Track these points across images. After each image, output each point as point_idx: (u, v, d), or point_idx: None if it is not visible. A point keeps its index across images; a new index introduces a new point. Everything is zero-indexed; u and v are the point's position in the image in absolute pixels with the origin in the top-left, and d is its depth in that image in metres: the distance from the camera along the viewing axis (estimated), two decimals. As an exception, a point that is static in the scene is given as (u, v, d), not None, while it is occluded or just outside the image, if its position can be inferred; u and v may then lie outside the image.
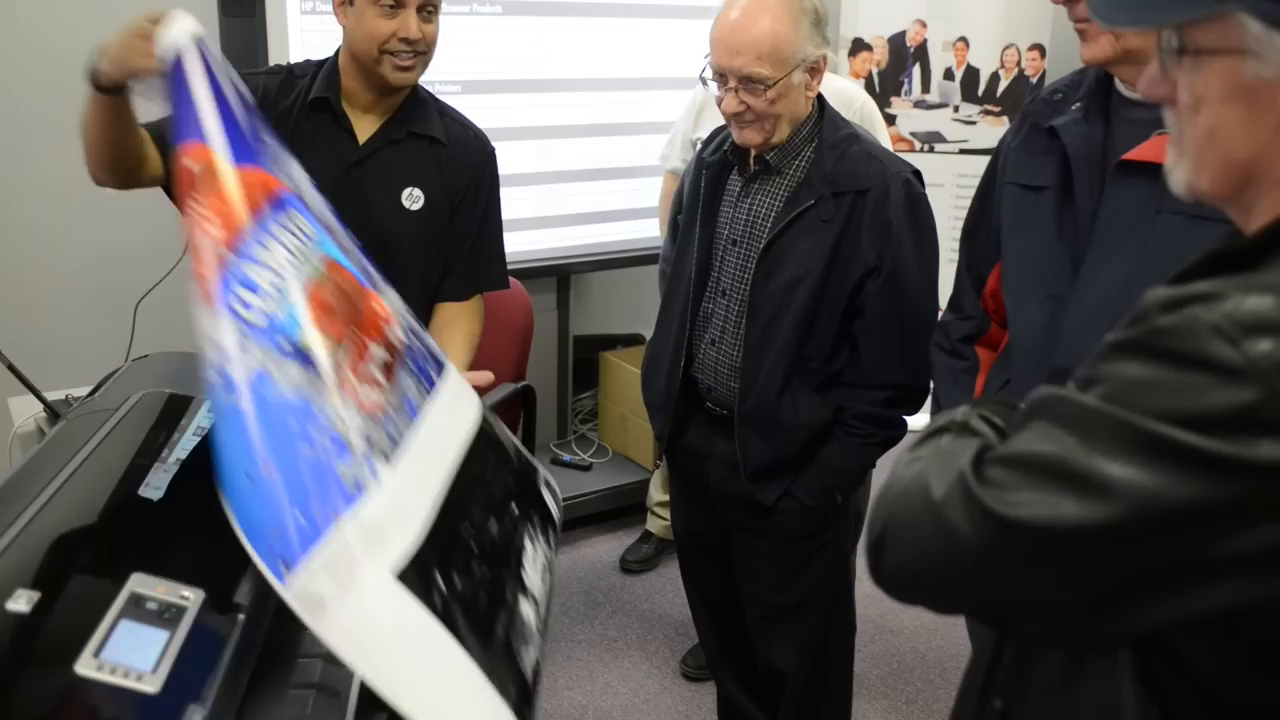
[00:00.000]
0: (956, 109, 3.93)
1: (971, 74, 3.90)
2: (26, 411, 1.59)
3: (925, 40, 3.88)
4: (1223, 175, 0.75)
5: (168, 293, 1.82)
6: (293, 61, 1.99)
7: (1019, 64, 3.87)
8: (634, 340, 3.71)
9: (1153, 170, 1.27)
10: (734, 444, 1.91)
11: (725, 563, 2.09)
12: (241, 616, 1.03)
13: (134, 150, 1.61)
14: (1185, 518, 0.64)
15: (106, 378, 1.52)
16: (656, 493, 3.25)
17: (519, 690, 1.04)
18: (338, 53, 1.88)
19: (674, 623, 2.97)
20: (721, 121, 1.88)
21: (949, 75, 3.91)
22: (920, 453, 0.82)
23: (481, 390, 1.51)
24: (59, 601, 0.96)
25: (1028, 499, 0.69)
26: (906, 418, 1.93)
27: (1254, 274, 0.68)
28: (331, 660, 1.11)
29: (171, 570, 1.03)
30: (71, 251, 2.84)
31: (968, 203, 1.71)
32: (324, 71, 1.87)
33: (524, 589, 1.16)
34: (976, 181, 1.69)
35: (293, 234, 1.16)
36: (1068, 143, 1.44)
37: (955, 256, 1.73)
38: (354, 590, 0.96)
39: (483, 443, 1.30)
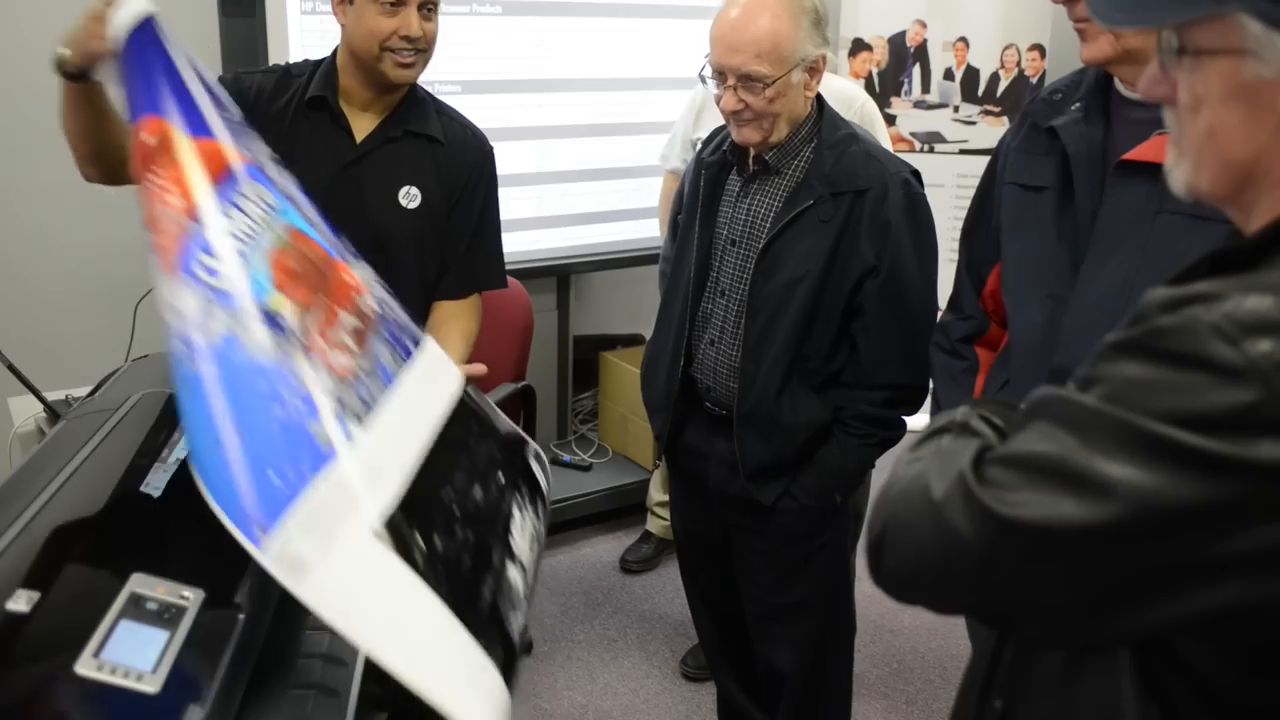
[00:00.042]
0: (956, 109, 3.93)
1: (971, 74, 3.90)
2: (26, 411, 1.60)
3: (925, 40, 3.88)
4: (1223, 175, 0.75)
5: (168, 293, 1.82)
6: (292, 61, 1.99)
7: (1019, 64, 3.87)
8: (634, 340, 3.71)
9: (1152, 170, 1.27)
10: (733, 444, 1.91)
11: (725, 563, 2.09)
12: (241, 616, 1.02)
13: (115, 142, 1.61)
14: (1185, 518, 0.64)
15: (106, 378, 1.53)
16: (656, 493, 3.25)
17: (506, 653, 1.04)
18: (335, 52, 1.88)
19: (674, 623, 2.97)
20: (722, 122, 1.88)
21: (949, 75, 3.91)
22: (920, 453, 0.82)
23: (475, 383, 1.51)
24: (59, 601, 0.96)
25: (1027, 499, 0.69)
26: (905, 418, 1.93)
27: (1254, 274, 0.68)
28: (331, 660, 1.11)
29: (171, 570, 1.03)
30: (71, 251, 2.84)
31: (968, 203, 1.71)
32: (321, 70, 1.87)
33: (512, 555, 1.16)
34: (976, 182, 1.69)
35: (255, 203, 1.15)
36: (1067, 143, 1.44)
37: (955, 257, 1.73)
38: (333, 549, 0.95)
39: (464, 412, 1.29)
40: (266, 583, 1.10)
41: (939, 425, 0.84)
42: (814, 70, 1.79)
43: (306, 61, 1.93)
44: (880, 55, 3.88)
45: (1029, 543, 0.69)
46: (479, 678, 0.98)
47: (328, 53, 1.91)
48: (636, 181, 3.41)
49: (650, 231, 3.29)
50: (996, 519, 0.69)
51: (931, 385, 1.77)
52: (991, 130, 3.83)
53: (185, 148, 1.13)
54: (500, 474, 1.26)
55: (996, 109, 3.91)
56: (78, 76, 1.41)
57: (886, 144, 2.58)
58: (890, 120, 3.67)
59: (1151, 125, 1.29)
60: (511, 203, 3.10)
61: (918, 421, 1.68)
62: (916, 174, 1.86)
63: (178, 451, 1.29)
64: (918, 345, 1.82)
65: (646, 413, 2.12)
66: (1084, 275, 1.40)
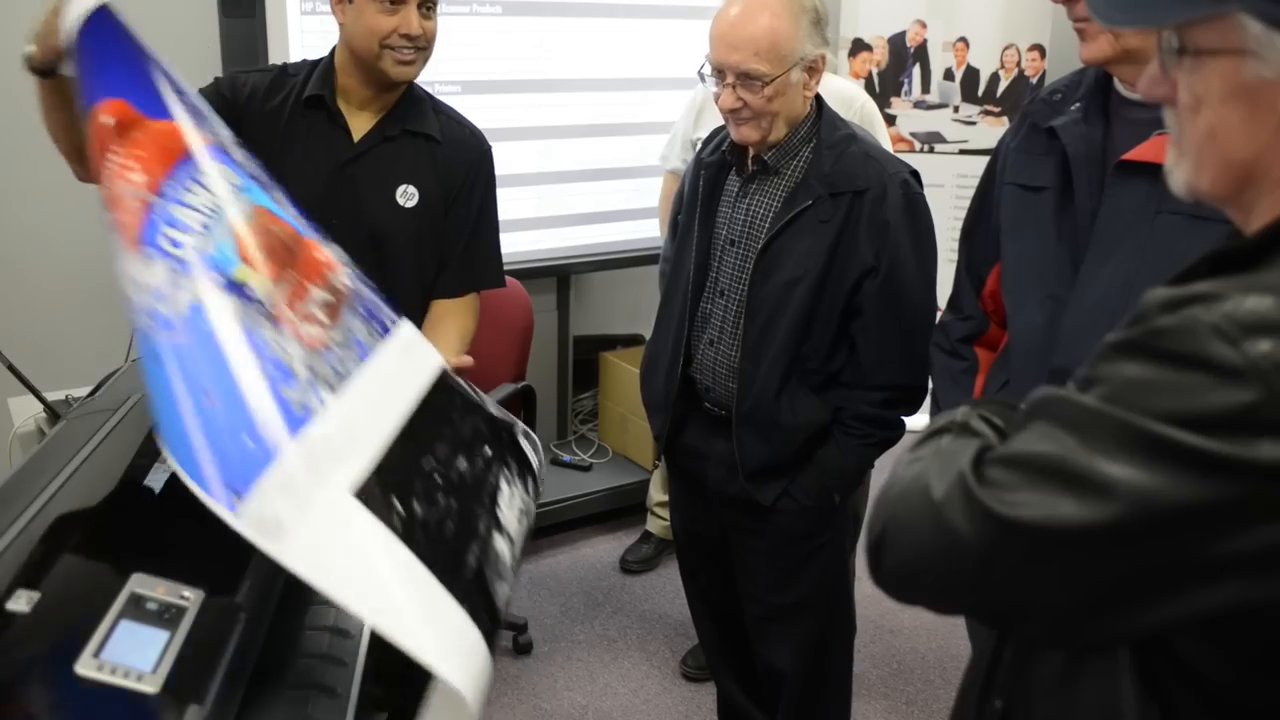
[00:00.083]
0: (956, 109, 3.93)
1: (971, 74, 3.90)
2: (26, 411, 1.60)
3: (925, 40, 3.88)
4: (1223, 175, 0.75)
5: (168, 293, 1.82)
6: (292, 62, 1.99)
7: (1019, 64, 3.87)
8: (634, 340, 3.71)
9: (1152, 170, 1.27)
10: (732, 444, 1.91)
11: (725, 563, 2.09)
12: (242, 616, 1.03)
13: None
14: (1185, 518, 0.64)
15: (106, 378, 1.52)
16: (656, 493, 3.25)
17: (491, 620, 1.03)
18: (333, 51, 1.88)
19: (674, 623, 2.97)
20: (722, 122, 1.88)
21: (949, 76, 3.91)
22: (920, 453, 0.82)
23: (467, 376, 1.51)
24: (59, 601, 0.96)
25: (1027, 499, 0.69)
26: (904, 418, 1.93)
27: (1254, 274, 0.68)
28: (331, 660, 1.11)
29: (171, 570, 1.03)
30: (71, 251, 2.84)
31: (967, 203, 1.71)
32: (319, 70, 1.87)
33: (499, 525, 1.15)
34: (976, 182, 1.69)
35: (218, 181, 1.16)
36: (1067, 143, 1.44)
37: (955, 257, 1.73)
38: (311, 510, 0.95)
39: (446, 387, 1.29)
40: (266, 583, 1.10)
41: (939, 425, 0.84)
42: (813, 70, 1.79)
43: (304, 62, 1.93)
44: (880, 55, 3.88)
45: (1029, 543, 0.69)
46: (460, 635, 0.98)
47: (327, 53, 1.91)
48: (636, 182, 3.41)
49: (650, 232, 3.29)
50: (996, 519, 0.69)
51: (931, 385, 1.77)
52: (991, 130, 3.83)
53: (145, 127, 1.13)
54: (486, 448, 1.25)
55: (996, 109, 3.91)
56: (46, 72, 1.41)
57: (886, 144, 2.58)
58: (890, 120, 3.67)
59: (1151, 125, 1.29)
60: (512, 203, 3.11)
61: (917, 422, 1.68)
62: (915, 174, 1.86)
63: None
64: (916, 345, 1.82)
65: (646, 413, 2.12)
66: (1084, 275, 1.40)
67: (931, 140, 3.94)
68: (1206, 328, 0.64)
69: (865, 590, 2.53)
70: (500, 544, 1.14)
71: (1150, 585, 0.67)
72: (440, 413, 1.25)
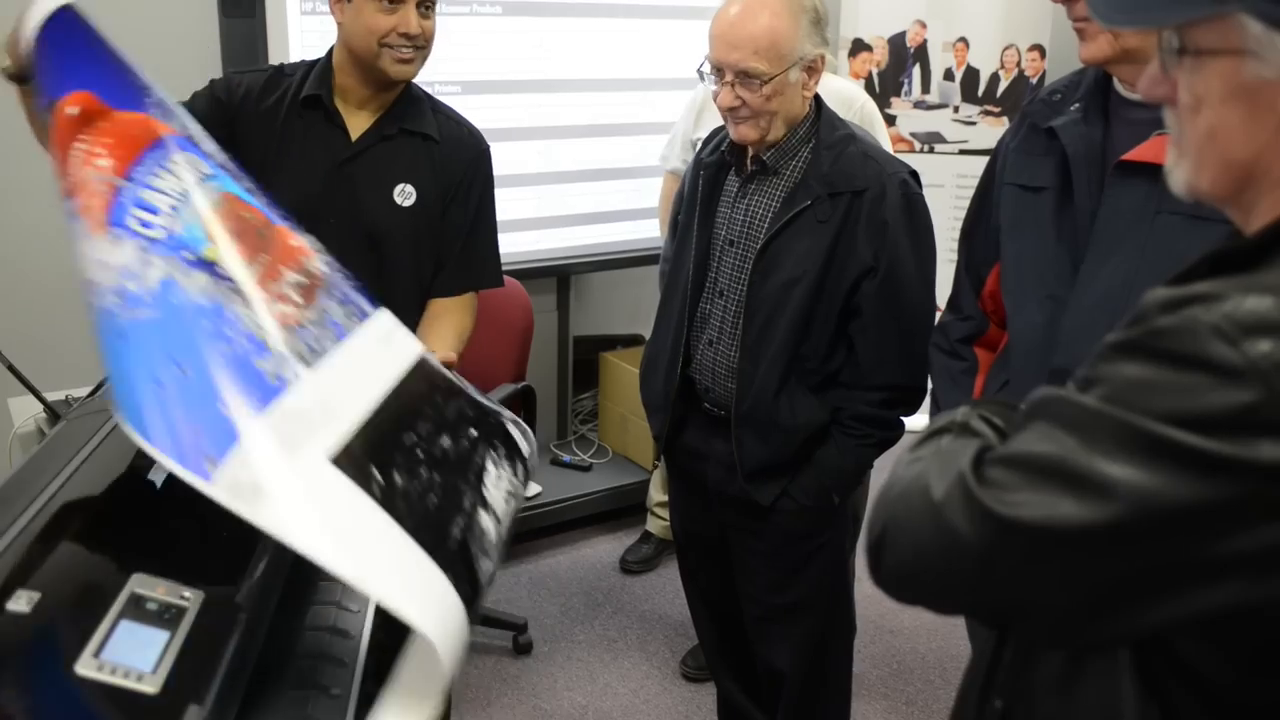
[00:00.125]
0: (956, 109, 3.93)
1: (971, 74, 3.90)
2: (26, 412, 1.59)
3: (925, 41, 3.88)
4: (1223, 175, 0.75)
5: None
6: (289, 62, 1.99)
7: (1019, 64, 3.87)
8: (634, 341, 3.71)
9: (1152, 171, 1.27)
10: (731, 444, 1.91)
11: (725, 563, 2.09)
12: (242, 616, 1.03)
13: None
14: (1185, 518, 0.65)
15: (106, 378, 1.52)
16: (656, 493, 3.25)
17: (472, 589, 1.04)
18: (331, 51, 1.88)
19: (674, 623, 2.97)
20: (722, 122, 1.88)
21: (949, 76, 3.91)
22: (920, 453, 0.82)
23: (459, 371, 1.51)
24: (59, 601, 0.96)
25: (1027, 499, 0.69)
26: (903, 418, 1.93)
27: (1254, 274, 0.68)
28: (331, 660, 1.11)
29: (172, 570, 1.03)
30: (72, 251, 2.84)
31: (967, 203, 1.71)
32: (317, 70, 1.87)
33: (485, 503, 1.15)
34: (976, 182, 1.69)
35: (186, 169, 1.17)
36: (1067, 143, 1.44)
37: (955, 257, 1.73)
38: (287, 474, 0.95)
39: (429, 370, 1.30)
40: (266, 583, 1.10)
41: (939, 425, 0.84)
42: (812, 70, 1.79)
43: (301, 62, 1.93)
44: (880, 55, 3.88)
45: (1029, 543, 0.69)
46: (436, 593, 0.98)
47: (325, 53, 1.91)
48: (636, 182, 3.41)
49: (650, 232, 3.29)
50: (996, 519, 0.69)
51: (931, 386, 1.77)
52: (991, 130, 3.83)
53: (111, 117, 1.15)
54: (471, 429, 1.26)
55: (996, 109, 3.91)
56: (21, 79, 1.41)
57: (886, 145, 2.58)
58: (890, 121, 3.67)
59: (1150, 125, 1.29)
60: (512, 203, 3.11)
61: (916, 422, 1.68)
62: (914, 174, 1.86)
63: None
64: (915, 346, 1.82)
65: (645, 413, 2.12)
66: (1083, 276, 1.40)
67: (931, 140, 3.94)
68: (1206, 328, 0.64)
69: (865, 590, 2.53)
70: (486, 521, 1.14)
71: (1150, 585, 0.67)
72: (422, 393, 1.25)
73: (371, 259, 1.86)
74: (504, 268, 2.06)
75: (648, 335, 2.15)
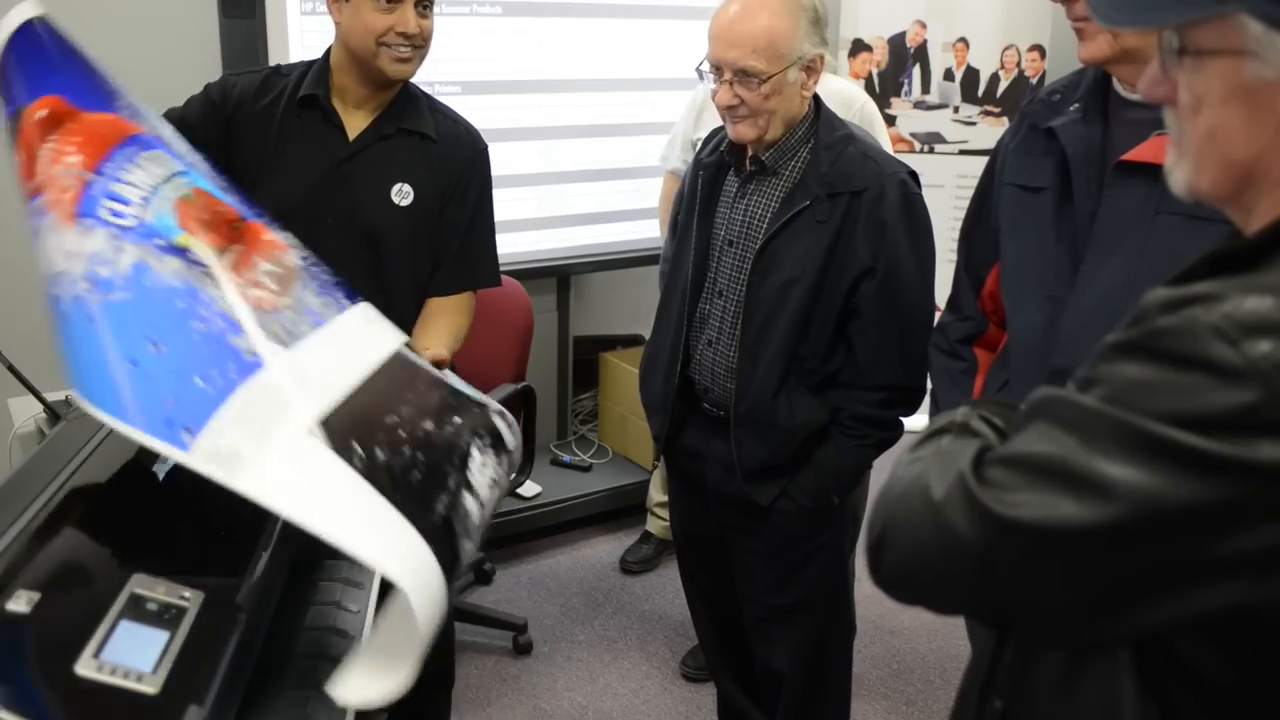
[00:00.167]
0: (956, 110, 3.93)
1: (971, 75, 3.90)
2: (26, 412, 1.59)
3: (925, 41, 3.88)
4: (1223, 176, 0.75)
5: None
6: (292, 62, 1.99)
7: (1019, 65, 3.87)
8: (634, 341, 3.71)
9: (1151, 171, 1.27)
10: (730, 445, 1.91)
11: (724, 563, 2.09)
12: (242, 616, 1.02)
13: None
14: (1185, 518, 0.65)
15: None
16: (656, 493, 3.25)
17: (451, 561, 1.04)
18: (328, 51, 1.89)
19: (674, 623, 2.97)
20: (721, 122, 1.88)
21: (949, 76, 3.91)
22: (920, 453, 0.82)
23: (457, 370, 1.52)
24: (59, 601, 0.96)
25: (1027, 499, 0.69)
26: (902, 419, 1.93)
27: (1254, 275, 0.68)
28: (332, 660, 1.11)
29: (172, 570, 1.03)
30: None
31: (967, 204, 1.71)
32: (314, 70, 1.88)
33: (469, 485, 1.16)
34: (976, 182, 1.69)
35: (156, 165, 1.19)
36: (1066, 143, 1.44)
37: (955, 257, 1.73)
38: (267, 443, 0.97)
39: (411, 361, 1.32)
40: (266, 583, 1.10)
41: (939, 426, 0.84)
42: (811, 70, 1.79)
43: (299, 62, 1.94)
44: (880, 56, 3.88)
45: (1029, 543, 0.69)
46: (419, 559, 0.99)
47: (322, 54, 1.91)
48: (636, 182, 3.41)
49: (650, 232, 3.29)
50: (996, 519, 0.69)
51: (930, 386, 1.77)
52: (991, 131, 3.83)
53: (80, 119, 1.17)
54: (455, 416, 1.27)
55: (996, 109, 3.91)
56: None
57: (886, 145, 2.58)
58: (890, 121, 3.67)
59: (1150, 126, 1.29)
60: (512, 203, 3.11)
61: (916, 422, 1.68)
62: (914, 174, 1.86)
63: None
64: (914, 346, 1.82)
65: (645, 413, 2.12)
66: (1083, 276, 1.40)
67: (931, 141, 3.94)
68: (1206, 328, 0.64)
69: (865, 590, 2.53)
70: (470, 503, 1.14)
71: (1150, 585, 0.67)
72: (404, 378, 1.27)
73: (369, 258, 1.86)
74: (504, 268, 2.06)
75: (648, 335, 2.15)
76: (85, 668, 0.89)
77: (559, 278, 3.47)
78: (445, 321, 1.90)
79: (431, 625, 0.97)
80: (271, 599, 1.13)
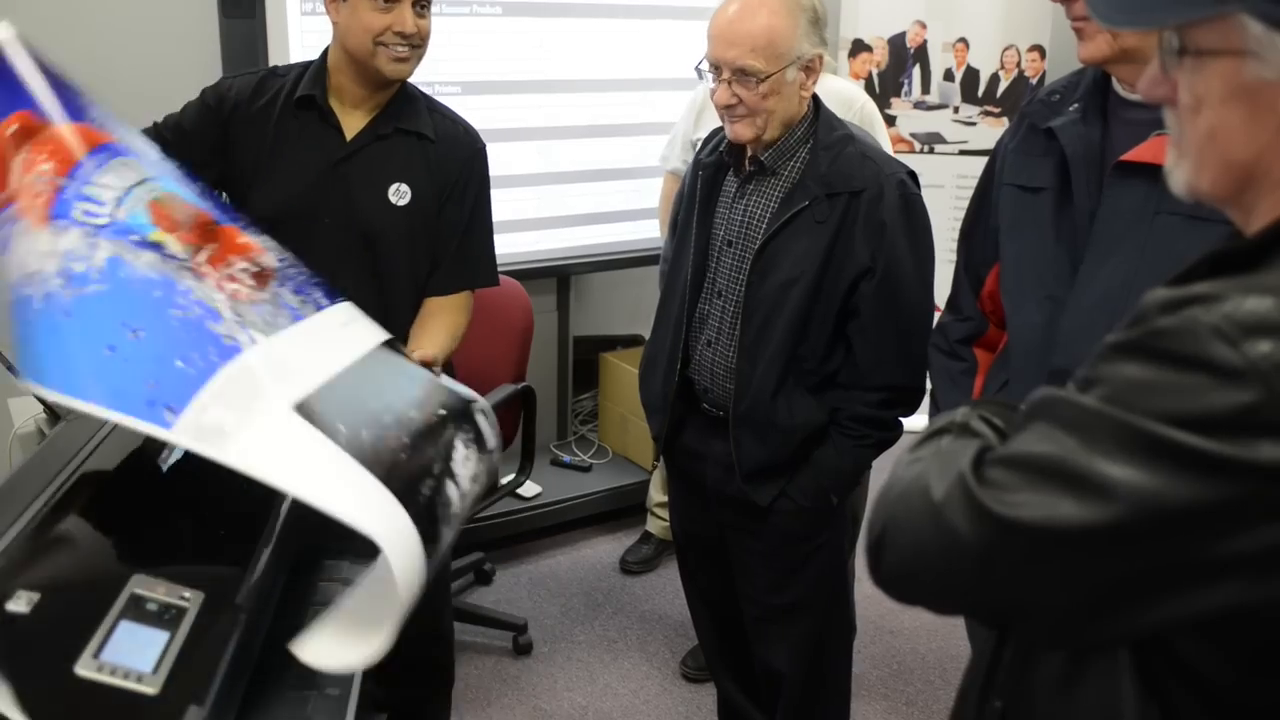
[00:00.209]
0: (956, 110, 3.93)
1: (971, 75, 3.90)
2: (26, 412, 1.59)
3: (925, 41, 3.88)
4: (1223, 176, 0.75)
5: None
6: (289, 63, 1.99)
7: (1019, 65, 3.87)
8: (634, 341, 3.71)
9: (1151, 171, 1.27)
10: (729, 445, 1.91)
11: (724, 563, 2.09)
12: (242, 617, 1.03)
13: None
14: (1185, 519, 0.65)
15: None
16: (656, 493, 3.25)
17: (432, 544, 1.05)
18: (325, 52, 1.89)
19: (674, 624, 2.97)
20: (721, 123, 1.88)
21: (949, 76, 3.91)
22: (920, 454, 0.82)
23: (425, 366, 1.52)
24: (59, 601, 0.96)
25: (1027, 500, 0.69)
26: (901, 419, 1.93)
27: (1254, 275, 0.68)
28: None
29: (172, 571, 1.03)
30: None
31: (967, 204, 1.71)
32: (311, 70, 1.88)
33: (452, 475, 1.17)
34: (976, 182, 1.69)
35: (129, 170, 1.21)
36: (1065, 144, 1.44)
37: (955, 258, 1.73)
38: (251, 419, 0.99)
39: (396, 354, 1.35)
40: (266, 583, 1.10)
41: (939, 426, 0.84)
42: (810, 70, 1.79)
43: (296, 63, 1.94)
44: (880, 56, 3.88)
45: (1029, 543, 0.69)
46: (401, 527, 1.01)
47: (320, 54, 1.92)
48: (636, 182, 3.41)
49: (650, 232, 3.29)
50: (996, 519, 0.69)
51: (930, 386, 1.77)
52: (991, 131, 3.83)
53: (51, 131, 1.19)
54: (441, 409, 1.28)
55: (996, 110, 3.91)
56: None
57: (886, 145, 2.58)
58: (890, 121, 3.67)
59: (1149, 126, 1.29)
60: (512, 203, 3.11)
61: (914, 423, 1.68)
62: (913, 175, 1.86)
63: (177, 453, 1.29)
64: (914, 346, 1.82)
65: (644, 414, 2.12)
66: (1082, 276, 1.40)
67: (931, 141, 3.94)
68: (1206, 328, 0.64)
69: (865, 591, 2.53)
70: (452, 491, 1.16)
71: (1150, 586, 0.67)
72: (387, 369, 1.28)
73: (366, 258, 1.86)
74: (504, 268, 2.06)
75: (647, 335, 2.15)
76: (85, 668, 0.89)
77: (559, 278, 3.47)
78: (442, 321, 1.90)
79: (410, 590, 0.98)
80: (271, 599, 1.13)
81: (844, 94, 2.61)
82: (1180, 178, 0.78)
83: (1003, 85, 3.89)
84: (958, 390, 1.65)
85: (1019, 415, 0.77)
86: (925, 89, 3.91)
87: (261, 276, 1.20)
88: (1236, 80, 0.71)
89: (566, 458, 3.56)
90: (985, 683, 0.95)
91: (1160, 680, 0.77)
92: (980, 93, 3.91)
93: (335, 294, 1.34)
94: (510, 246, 2.99)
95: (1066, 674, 0.86)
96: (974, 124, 3.93)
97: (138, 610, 0.97)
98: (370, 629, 0.99)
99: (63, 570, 1.03)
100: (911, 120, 3.92)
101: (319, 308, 1.27)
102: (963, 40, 3.88)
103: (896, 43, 3.88)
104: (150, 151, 1.33)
